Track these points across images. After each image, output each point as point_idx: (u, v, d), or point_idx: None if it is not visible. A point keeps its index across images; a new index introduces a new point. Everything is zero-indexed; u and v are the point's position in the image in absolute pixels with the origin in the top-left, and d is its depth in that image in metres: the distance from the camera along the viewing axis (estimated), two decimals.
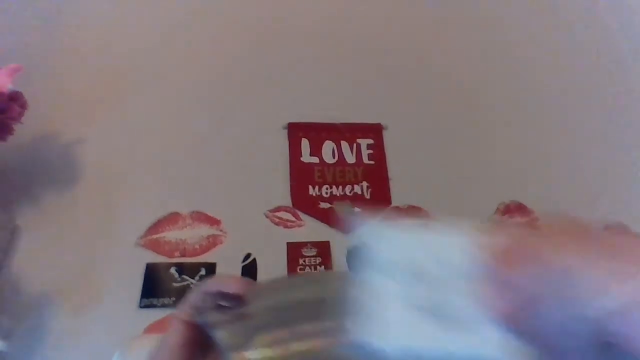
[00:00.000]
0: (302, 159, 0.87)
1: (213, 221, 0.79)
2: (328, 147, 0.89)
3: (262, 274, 0.75)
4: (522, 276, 0.25)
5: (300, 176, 0.85)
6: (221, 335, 0.29)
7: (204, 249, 0.76)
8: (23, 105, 0.75)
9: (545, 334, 0.24)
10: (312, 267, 0.76)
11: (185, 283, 0.73)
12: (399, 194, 0.85)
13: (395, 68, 1.01)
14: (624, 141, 0.95)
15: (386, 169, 0.88)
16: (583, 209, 0.86)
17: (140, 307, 0.70)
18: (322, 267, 0.76)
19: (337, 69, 0.99)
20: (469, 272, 0.25)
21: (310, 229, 0.80)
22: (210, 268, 0.74)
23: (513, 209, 0.85)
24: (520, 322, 0.24)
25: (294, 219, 0.81)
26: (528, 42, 1.07)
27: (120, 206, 0.79)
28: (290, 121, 0.90)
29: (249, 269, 0.75)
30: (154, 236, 0.77)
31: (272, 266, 0.76)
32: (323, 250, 0.78)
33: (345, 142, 0.90)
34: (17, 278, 0.71)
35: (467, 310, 0.25)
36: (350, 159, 0.88)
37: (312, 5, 1.08)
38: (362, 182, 0.86)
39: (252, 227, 0.79)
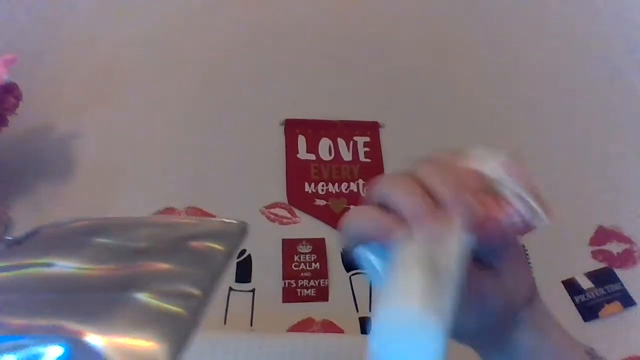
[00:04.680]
0: (298, 155, 0.87)
1: (208, 216, 0.79)
2: (325, 144, 0.89)
3: (257, 270, 0.75)
4: None
5: (297, 173, 0.85)
6: None
7: None
8: (18, 97, 0.75)
9: None
10: (308, 264, 0.76)
11: None
12: None
13: (393, 66, 1.01)
14: (622, 142, 0.95)
15: (382, 167, 0.88)
16: (580, 211, 0.87)
17: None
18: (318, 264, 0.76)
19: (335, 66, 0.99)
20: None
21: (305, 226, 0.80)
22: None
23: None
24: None
25: (289, 215, 0.81)
26: (527, 43, 1.07)
27: (115, 200, 0.79)
28: (288, 118, 0.90)
29: (244, 265, 0.75)
30: None
31: (267, 262, 0.76)
32: (318, 247, 0.78)
33: (342, 139, 0.90)
34: None
35: None
36: (347, 156, 0.88)
37: (310, 2, 1.08)
38: (358, 180, 0.86)
39: (247, 222, 0.79)
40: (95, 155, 0.83)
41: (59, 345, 0.22)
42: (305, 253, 0.77)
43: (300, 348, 0.61)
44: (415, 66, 1.01)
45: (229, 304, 0.72)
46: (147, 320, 0.23)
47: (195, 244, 0.29)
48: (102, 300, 0.24)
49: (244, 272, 0.75)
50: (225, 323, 0.70)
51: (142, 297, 0.24)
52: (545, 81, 1.02)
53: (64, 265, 0.26)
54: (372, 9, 1.08)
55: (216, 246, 0.29)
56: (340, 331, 0.71)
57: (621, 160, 0.93)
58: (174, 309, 0.24)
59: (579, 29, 1.11)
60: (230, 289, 0.73)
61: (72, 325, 0.22)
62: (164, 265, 0.27)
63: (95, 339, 0.22)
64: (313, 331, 0.70)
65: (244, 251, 0.76)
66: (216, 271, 0.27)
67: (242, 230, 0.31)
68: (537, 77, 1.03)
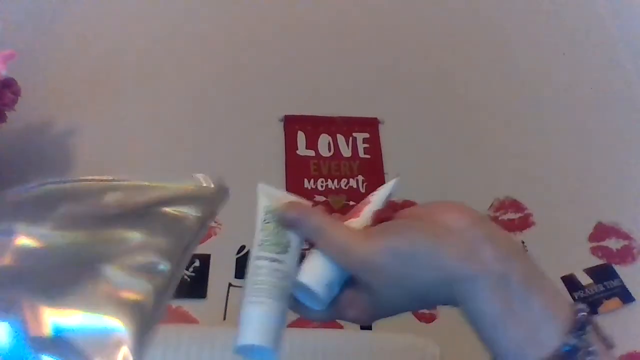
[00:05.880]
0: (298, 152, 0.87)
1: None
2: (324, 140, 0.89)
3: None
4: None
5: (296, 169, 0.85)
6: None
7: None
8: (16, 93, 0.74)
9: None
10: None
11: None
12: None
13: (392, 63, 1.01)
14: (621, 139, 0.95)
15: (382, 163, 0.88)
16: (578, 205, 0.87)
17: None
18: None
19: (335, 62, 0.99)
20: None
21: None
22: (205, 260, 0.74)
23: (507, 205, 0.85)
24: None
25: None
26: (525, 39, 1.07)
27: None
28: (287, 114, 0.90)
29: (244, 261, 0.75)
30: None
31: None
32: None
33: (341, 135, 0.89)
34: None
35: None
36: (346, 152, 0.88)
37: (310, 0, 1.08)
38: (357, 176, 0.86)
39: (246, 219, 0.79)
40: (93, 151, 0.83)
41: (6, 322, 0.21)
42: (304, 249, 0.77)
43: (299, 344, 0.60)
44: (414, 63, 1.01)
45: (229, 299, 0.72)
46: (113, 302, 0.22)
47: (166, 209, 0.27)
48: (66, 274, 0.23)
49: (243, 267, 0.74)
50: (224, 318, 0.70)
51: (109, 271, 0.23)
52: (544, 80, 1.02)
53: (28, 232, 0.24)
54: (373, 7, 1.08)
55: (189, 212, 0.27)
56: (339, 327, 0.71)
57: (620, 157, 0.93)
58: (140, 290, 0.22)
59: (577, 28, 1.10)
60: (230, 284, 0.73)
61: (29, 301, 0.21)
62: (133, 234, 0.25)
63: (48, 324, 0.21)
64: (312, 327, 0.70)
65: (243, 247, 0.76)
66: (189, 240, 0.26)
67: (219, 194, 0.29)
68: (536, 76, 1.02)
